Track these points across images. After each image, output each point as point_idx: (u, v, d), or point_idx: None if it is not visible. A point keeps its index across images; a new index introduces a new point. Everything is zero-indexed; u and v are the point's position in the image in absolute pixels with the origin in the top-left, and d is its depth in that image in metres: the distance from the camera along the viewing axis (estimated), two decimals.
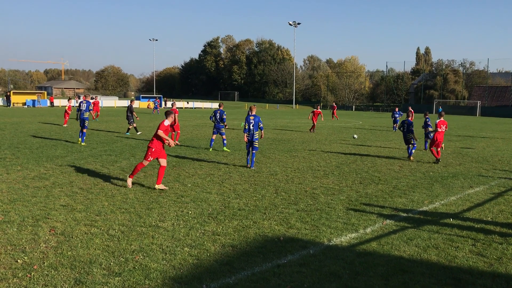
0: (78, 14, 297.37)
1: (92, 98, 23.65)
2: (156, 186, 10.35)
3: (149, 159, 10.43)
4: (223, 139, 18.08)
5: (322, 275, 5.62)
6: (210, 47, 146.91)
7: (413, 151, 16.96)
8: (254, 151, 13.80)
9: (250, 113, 13.94)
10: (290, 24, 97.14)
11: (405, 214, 8.71)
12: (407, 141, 16.92)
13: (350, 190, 10.85)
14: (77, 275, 5.43)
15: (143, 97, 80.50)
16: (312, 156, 16.88)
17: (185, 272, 5.63)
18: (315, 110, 30.54)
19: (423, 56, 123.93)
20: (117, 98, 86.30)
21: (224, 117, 17.80)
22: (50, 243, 6.49)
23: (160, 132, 10.31)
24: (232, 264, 5.91)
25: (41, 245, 6.41)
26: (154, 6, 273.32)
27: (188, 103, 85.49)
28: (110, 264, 5.78)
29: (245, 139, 13.85)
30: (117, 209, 8.46)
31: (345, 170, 13.90)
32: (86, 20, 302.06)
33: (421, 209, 9.14)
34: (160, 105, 55.02)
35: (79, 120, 19.56)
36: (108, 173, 12.15)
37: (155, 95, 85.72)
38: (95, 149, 17.23)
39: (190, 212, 8.36)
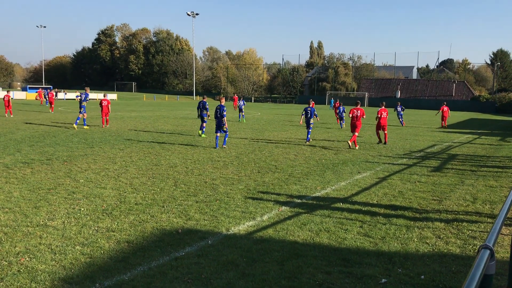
0: None
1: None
2: (350, 143, 17.44)
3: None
4: (203, 126, 20.86)
5: (220, 264, 5.68)
6: (105, 35, 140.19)
7: (309, 136, 19.43)
8: (224, 132, 16.94)
9: (220, 103, 17.12)
10: (188, 15, 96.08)
11: (299, 200, 9.09)
12: (308, 125, 19.45)
13: (249, 179, 11.06)
14: None
15: (30, 88, 74.74)
16: (212, 147, 16.92)
17: (77, 271, 5.35)
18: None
19: (316, 50, 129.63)
20: (0, 89, 78.97)
21: (207, 107, 20.57)
22: None
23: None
24: (128, 260, 5.73)
25: None
26: None
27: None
28: None
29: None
30: None
31: (244, 160, 14.14)
32: None
33: (314, 195, 9.61)
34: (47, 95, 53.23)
35: None
36: None
37: (44, 86, 80.00)
38: None
39: (83, 209, 7.94)
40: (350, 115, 18.27)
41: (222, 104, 17.10)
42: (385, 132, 19.64)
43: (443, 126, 32.31)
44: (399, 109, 34.47)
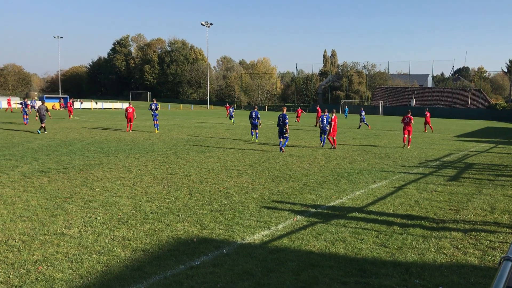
0: None
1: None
2: (408, 145, 21.70)
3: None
4: (256, 133, 23.68)
5: (235, 274, 5.67)
6: (120, 45, 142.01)
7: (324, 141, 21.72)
8: (285, 138, 18.97)
9: (282, 112, 19.37)
10: (202, 25, 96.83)
11: (314, 210, 9.04)
12: (324, 131, 21.26)
13: (263, 188, 11.04)
14: None
15: (47, 98, 75.76)
16: (226, 156, 16.96)
17: (93, 280, 5.38)
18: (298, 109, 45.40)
19: (329, 59, 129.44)
20: (18, 98, 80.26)
21: (259, 116, 23.59)
22: None
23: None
24: (144, 269, 5.76)
25: None
26: (58, 1, 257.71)
27: (97, 103, 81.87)
28: (9, 277, 5.37)
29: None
30: (17, 218, 7.88)
31: (258, 169, 14.13)
32: None
33: (329, 204, 9.55)
34: (29, 105, 55.57)
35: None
36: (8, 179, 11.28)
37: (60, 95, 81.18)
38: None
39: (99, 218, 8.01)
40: (402, 122, 22.22)
41: (284, 113, 19.30)
42: (334, 138, 21.13)
43: (426, 131, 35.47)
44: (362, 113, 38.94)
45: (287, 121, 18.90)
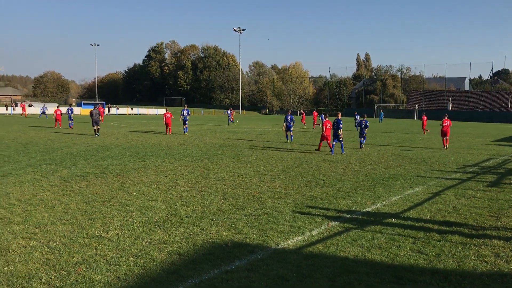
0: (14, 16, 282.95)
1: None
2: (446, 145, 23.31)
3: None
4: (291, 135, 26.02)
5: (270, 279, 5.66)
6: (154, 52, 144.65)
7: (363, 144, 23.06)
8: (340, 142, 20.20)
9: (337, 117, 20.70)
10: (235, 30, 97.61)
11: (349, 216, 8.94)
12: (363, 135, 23.00)
13: (296, 194, 11.00)
14: None
15: (84, 104, 77.93)
16: (259, 161, 16.99)
17: (131, 282, 5.48)
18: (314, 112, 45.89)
19: (363, 62, 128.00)
20: (57, 105, 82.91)
21: (294, 119, 26.04)
22: None
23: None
24: (180, 272, 5.83)
25: None
26: (94, 10, 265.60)
27: (132, 109, 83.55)
28: (50, 278, 5.54)
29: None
30: (58, 221, 8.12)
31: (291, 174, 14.09)
32: (23, 23, 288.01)
33: (364, 210, 9.42)
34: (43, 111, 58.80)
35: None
36: (48, 183, 11.65)
37: (97, 101, 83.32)
38: (33, 158, 16.48)
39: (136, 221, 8.17)
40: (442, 124, 23.70)
41: (339, 118, 20.66)
42: (328, 142, 20.69)
43: (425, 133, 36.51)
44: (357, 117, 39.76)
45: (341, 125, 20.11)
